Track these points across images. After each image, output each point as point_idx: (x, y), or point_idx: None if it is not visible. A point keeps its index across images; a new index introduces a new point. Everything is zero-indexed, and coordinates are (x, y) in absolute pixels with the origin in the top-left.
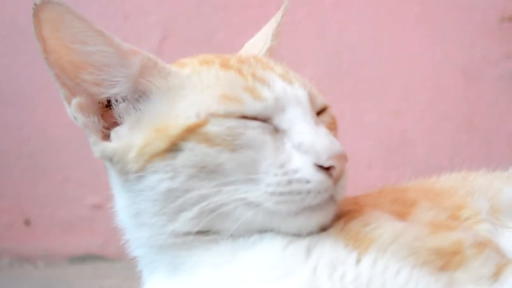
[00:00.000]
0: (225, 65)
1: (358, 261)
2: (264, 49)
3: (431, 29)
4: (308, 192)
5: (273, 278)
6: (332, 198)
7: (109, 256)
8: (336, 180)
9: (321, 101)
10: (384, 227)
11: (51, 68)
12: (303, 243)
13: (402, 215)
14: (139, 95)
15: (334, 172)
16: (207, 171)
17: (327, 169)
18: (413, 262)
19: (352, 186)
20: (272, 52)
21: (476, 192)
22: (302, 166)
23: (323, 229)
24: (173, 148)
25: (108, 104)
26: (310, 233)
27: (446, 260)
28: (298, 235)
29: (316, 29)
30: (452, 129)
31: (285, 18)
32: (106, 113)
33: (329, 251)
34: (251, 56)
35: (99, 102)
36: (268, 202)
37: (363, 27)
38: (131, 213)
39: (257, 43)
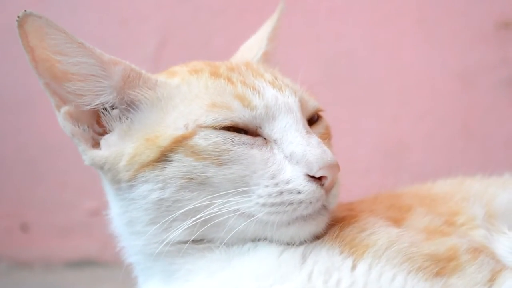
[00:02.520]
0: (214, 74)
1: (353, 267)
2: (259, 54)
3: (428, 35)
4: (300, 202)
5: (269, 284)
6: (324, 208)
7: (107, 261)
8: (328, 190)
9: (313, 105)
10: (379, 233)
11: (41, 77)
12: (299, 249)
13: (397, 221)
14: (127, 105)
15: (326, 182)
16: (196, 183)
17: (318, 179)
18: (409, 268)
19: (349, 192)
20: (267, 56)
21: (472, 197)
22: (294, 177)
23: (317, 237)
24: (163, 158)
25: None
26: (302, 242)
27: (442, 266)
28: (291, 244)
29: (312, 35)
30: (449, 134)
31: (280, 21)
32: (99, 120)
33: (324, 257)
34: (242, 63)
35: (90, 111)
36: (260, 213)
37: (360, 33)
38: (124, 221)
39: (253, 47)
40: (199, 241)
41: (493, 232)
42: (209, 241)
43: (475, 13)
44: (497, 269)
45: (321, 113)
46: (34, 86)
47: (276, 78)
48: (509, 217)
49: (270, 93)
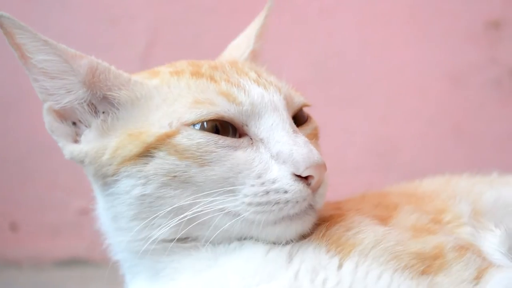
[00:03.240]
0: (196, 73)
1: (339, 266)
2: (246, 52)
3: (418, 35)
4: (286, 202)
5: (255, 283)
6: (311, 207)
7: (96, 260)
8: (314, 189)
9: (298, 100)
10: (365, 231)
11: (30, 73)
12: (285, 248)
13: (384, 220)
14: (100, 99)
15: (313, 182)
16: (179, 181)
17: (305, 179)
18: (395, 266)
19: (339, 191)
20: (255, 54)
21: (458, 195)
22: (280, 176)
23: (303, 236)
24: (146, 154)
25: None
26: (289, 241)
27: (428, 264)
28: (277, 243)
29: (302, 35)
30: (439, 134)
31: (268, 19)
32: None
33: (311, 256)
34: (226, 61)
35: (67, 108)
36: (246, 212)
37: (350, 33)
38: (110, 217)
39: (240, 45)
40: (185, 240)
41: (479, 230)
42: (194, 240)
43: (464, 13)
44: (483, 267)
45: (310, 114)
46: (22, 85)
47: (260, 77)
48: (495, 214)
49: (255, 91)
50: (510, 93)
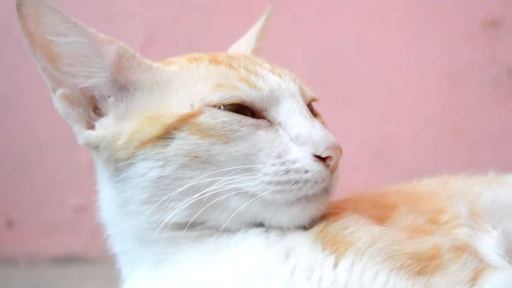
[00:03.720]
0: (214, 61)
1: (335, 264)
2: (248, 51)
3: (416, 34)
4: (306, 181)
5: (252, 280)
6: (325, 191)
7: (92, 258)
8: (332, 170)
9: (309, 93)
10: (362, 231)
11: (38, 61)
12: (283, 245)
13: (381, 219)
14: (121, 85)
15: (331, 163)
16: (199, 161)
17: (323, 160)
18: (391, 266)
19: (337, 190)
20: (256, 53)
21: (456, 196)
22: (301, 157)
23: (302, 230)
24: (165, 136)
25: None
26: (299, 226)
27: (424, 264)
28: (287, 227)
29: (300, 34)
30: (437, 133)
31: (269, 21)
32: (94, 104)
33: (307, 254)
34: (239, 54)
35: (84, 94)
36: (265, 191)
37: (348, 31)
38: (118, 203)
39: (241, 46)
40: (193, 227)
41: (477, 231)
42: (203, 226)
43: (463, 11)
44: (480, 268)
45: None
46: (20, 83)
47: (274, 67)
48: (493, 215)
49: (272, 78)
50: (508, 92)
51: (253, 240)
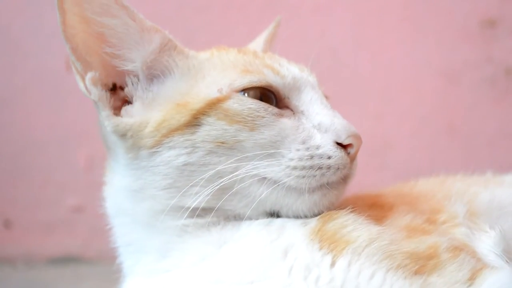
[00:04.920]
0: (242, 51)
1: (332, 264)
2: None
3: (412, 33)
4: (328, 167)
5: (249, 280)
6: (344, 179)
7: (89, 258)
8: (353, 158)
9: (322, 89)
10: (359, 230)
11: (68, 41)
12: (282, 243)
13: (379, 219)
14: (153, 74)
15: (352, 151)
16: (226, 147)
17: (344, 148)
18: (388, 265)
19: None
20: None
21: (453, 196)
22: (324, 143)
23: (302, 227)
24: (194, 122)
25: (112, 88)
26: (318, 213)
27: (421, 264)
28: (305, 215)
29: (296, 33)
30: (433, 132)
31: (276, 29)
32: (114, 96)
33: (305, 253)
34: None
35: (106, 84)
36: (289, 177)
37: (344, 31)
38: (133, 188)
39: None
40: (204, 215)
41: (474, 231)
42: (217, 212)
43: (459, 11)
44: (477, 268)
45: None
46: (16, 83)
47: (291, 63)
48: (490, 215)
49: (294, 69)
50: (504, 92)
51: (254, 235)
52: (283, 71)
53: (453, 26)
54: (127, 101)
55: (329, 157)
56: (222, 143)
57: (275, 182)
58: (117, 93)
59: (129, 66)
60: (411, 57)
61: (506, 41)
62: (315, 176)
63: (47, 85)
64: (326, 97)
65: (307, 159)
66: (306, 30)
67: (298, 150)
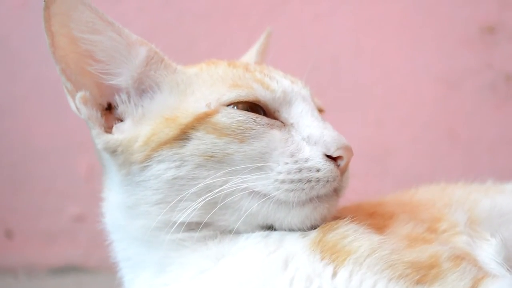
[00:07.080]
0: (232, 64)
1: (334, 274)
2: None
3: (412, 40)
4: (318, 180)
5: None
6: (336, 193)
7: (90, 267)
8: (343, 171)
9: (318, 102)
10: (361, 240)
11: (58, 63)
12: (282, 254)
13: (379, 228)
14: (142, 89)
15: (342, 163)
16: (214, 161)
17: (334, 160)
18: (390, 275)
19: None
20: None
21: (454, 204)
22: (313, 156)
23: (302, 237)
24: (182, 136)
25: (108, 107)
26: (312, 227)
27: (423, 273)
28: (298, 229)
29: (296, 40)
30: (433, 139)
31: (268, 39)
32: (106, 115)
33: (306, 263)
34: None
35: (100, 104)
36: (278, 191)
37: (344, 38)
38: (127, 205)
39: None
40: (200, 229)
41: (475, 239)
42: (211, 227)
43: (459, 17)
44: (479, 277)
45: None
46: (16, 92)
47: (286, 75)
48: (491, 223)
49: (285, 82)
50: (505, 98)
51: (253, 247)
52: (273, 85)
53: (453, 32)
54: (120, 120)
55: (318, 170)
56: (211, 156)
57: (264, 195)
58: (113, 113)
59: (119, 81)
60: (411, 64)
61: (506, 47)
62: (304, 189)
63: (47, 94)
64: (321, 111)
65: (295, 172)
66: (306, 38)
67: (286, 163)
